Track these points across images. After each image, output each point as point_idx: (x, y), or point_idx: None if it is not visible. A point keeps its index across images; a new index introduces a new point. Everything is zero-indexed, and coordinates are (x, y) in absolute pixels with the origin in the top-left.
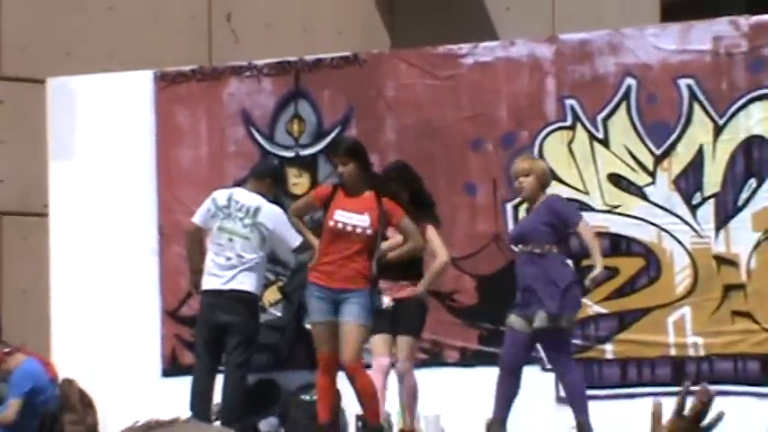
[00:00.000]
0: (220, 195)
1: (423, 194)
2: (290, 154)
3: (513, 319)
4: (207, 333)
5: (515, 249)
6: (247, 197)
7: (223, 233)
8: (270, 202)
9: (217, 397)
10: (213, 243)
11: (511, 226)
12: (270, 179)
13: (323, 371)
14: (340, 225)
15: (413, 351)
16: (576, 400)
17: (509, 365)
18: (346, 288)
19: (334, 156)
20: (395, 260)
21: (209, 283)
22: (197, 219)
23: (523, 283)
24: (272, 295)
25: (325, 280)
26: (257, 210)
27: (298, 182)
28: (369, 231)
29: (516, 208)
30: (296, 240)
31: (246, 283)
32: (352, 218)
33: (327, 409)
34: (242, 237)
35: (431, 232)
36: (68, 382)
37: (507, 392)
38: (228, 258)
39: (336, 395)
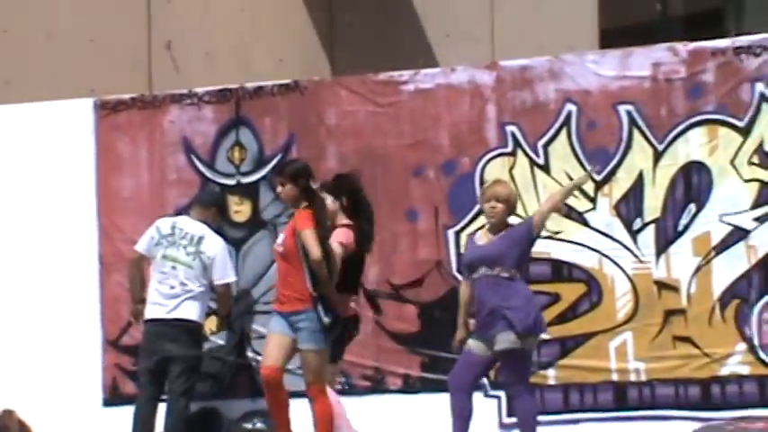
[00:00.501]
0: (164, 224)
1: (359, 202)
2: (231, 182)
3: (472, 344)
4: (150, 362)
5: (467, 275)
6: (192, 225)
7: (166, 261)
8: (214, 231)
9: (159, 426)
10: (156, 271)
11: (453, 253)
12: (215, 208)
13: (265, 389)
14: (274, 245)
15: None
16: (524, 427)
17: (458, 383)
18: (293, 310)
19: (275, 176)
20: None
21: (152, 312)
22: (140, 247)
23: (489, 305)
24: (213, 324)
25: (278, 306)
26: (201, 238)
27: (239, 209)
28: (280, 249)
29: (458, 234)
30: (227, 277)
31: (190, 312)
32: (279, 238)
33: (285, 425)
34: (185, 265)
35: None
36: (8, 413)
37: (462, 411)
38: (172, 287)
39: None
